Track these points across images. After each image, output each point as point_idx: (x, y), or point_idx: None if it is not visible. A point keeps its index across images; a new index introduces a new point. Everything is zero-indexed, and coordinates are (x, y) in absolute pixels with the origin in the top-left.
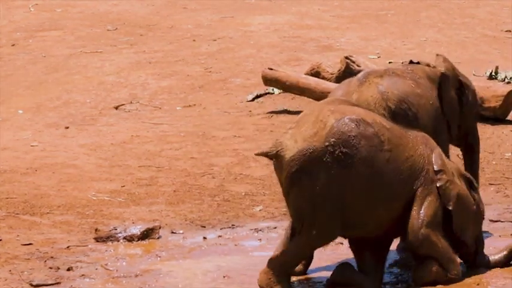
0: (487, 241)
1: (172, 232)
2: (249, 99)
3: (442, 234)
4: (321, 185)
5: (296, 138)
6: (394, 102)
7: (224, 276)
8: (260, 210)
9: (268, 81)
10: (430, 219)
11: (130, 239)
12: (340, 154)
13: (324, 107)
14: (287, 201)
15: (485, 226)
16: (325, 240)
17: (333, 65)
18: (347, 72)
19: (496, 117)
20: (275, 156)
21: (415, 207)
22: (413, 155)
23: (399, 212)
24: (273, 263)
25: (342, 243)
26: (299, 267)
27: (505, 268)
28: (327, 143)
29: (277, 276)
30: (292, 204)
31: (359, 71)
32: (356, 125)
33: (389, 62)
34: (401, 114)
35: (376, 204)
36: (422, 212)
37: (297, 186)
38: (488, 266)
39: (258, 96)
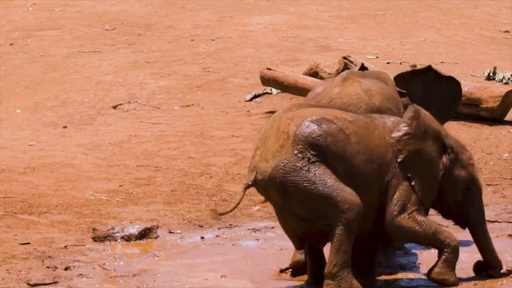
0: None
1: (170, 232)
2: (247, 99)
3: (420, 215)
4: (311, 186)
5: (266, 157)
6: (378, 99)
7: (222, 276)
8: (258, 210)
9: (266, 81)
10: (402, 205)
11: (128, 238)
12: (311, 157)
13: (283, 116)
14: (288, 216)
15: None
16: (350, 223)
17: (331, 65)
18: None
19: (493, 118)
20: (255, 184)
21: (388, 197)
22: (381, 144)
23: (378, 204)
24: (332, 272)
25: None
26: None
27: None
28: (295, 151)
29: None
30: (301, 215)
31: None
32: (318, 125)
33: (387, 63)
34: (386, 111)
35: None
36: (394, 200)
37: (291, 199)
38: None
39: (256, 96)
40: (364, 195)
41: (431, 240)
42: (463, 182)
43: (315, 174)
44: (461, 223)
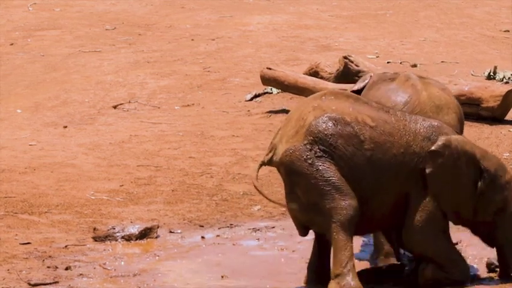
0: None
1: (171, 231)
2: (247, 99)
3: (441, 234)
4: (313, 180)
5: (282, 139)
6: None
7: (222, 276)
8: (258, 209)
9: (266, 80)
10: (425, 220)
11: (128, 238)
12: (318, 151)
13: (309, 103)
14: (294, 202)
15: None
16: (348, 223)
17: (331, 64)
18: (345, 72)
19: (494, 118)
20: (270, 163)
21: (409, 208)
22: (405, 152)
23: (389, 208)
24: (334, 272)
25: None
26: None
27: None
28: (305, 141)
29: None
30: (304, 204)
31: (357, 71)
32: (334, 123)
33: (388, 62)
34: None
35: (362, 200)
36: (416, 214)
37: (295, 186)
38: None
39: (256, 96)
40: (370, 199)
41: (443, 261)
42: (497, 205)
43: (317, 169)
44: (490, 243)
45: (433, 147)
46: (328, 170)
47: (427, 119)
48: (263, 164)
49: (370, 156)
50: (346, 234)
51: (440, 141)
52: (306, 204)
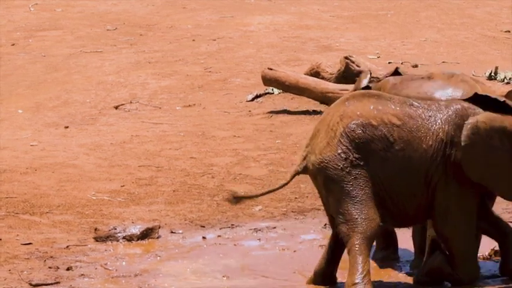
0: (484, 242)
1: (172, 232)
2: (248, 99)
3: (470, 229)
4: (349, 188)
5: (315, 150)
6: None
7: (223, 276)
8: (259, 210)
9: (267, 81)
10: (455, 206)
11: (129, 238)
12: (354, 159)
13: (335, 113)
14: (328, 207)
15: None
16: (371, 236)
17: (332, 65)
18: (346, 72)
19: None
20: (304, 172)
21: (438, 196)
22: (433, 144)
23: (423, 201)
24: (352, 281)
25: None
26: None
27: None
28: (339, 151)
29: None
30: (334, 211)
31: (359, 71)
32: (362, 130)
33: (389, 62)
34: None
35: (401, 199)
36: (447, 202)
37: (331, 194)
38: None
39: (257, 96)
40: (407, 200)
41: (458, 264)
42: None
43: (355, 177)
44: None
45: (462, 137)
46: (363, 180)
47: (450, 104)
48: (298, 173)
49: (402, 156)
50: (367, 246)
51: (467, 128)
52: (335, 213)
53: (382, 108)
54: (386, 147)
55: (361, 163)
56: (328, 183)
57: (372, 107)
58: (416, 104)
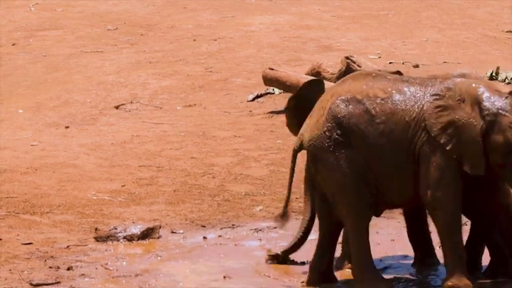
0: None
1: (173, 232)
2: (249, 99)
3: (455, 201)
4: (335, 168)
5: (308, 128)
6: None
7: (224, 276)
8: (260, 210)
9: (268, 81)
10: (436, 180)
11: (130, 238)
12: (337, 137)
13: (329, 91)
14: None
15: None
16: (362, 218)
17: (333, 65)
18: (348, 72)
19: None
20: (300, 149)
21: (421, 172)
22: (417, 116)
23: (410, 178)
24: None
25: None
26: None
27: None
28: (324, 129)
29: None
30: (323, 192)
31: None
32: (346, 105)
33: (390, 63)
34: None
35: (389, 175)
36: (428, 175)
37: (318, 174)
38: None
39: (258, 96)
40: (392, 174)
41: (444, 229)
42: (505, 147)
43: (339, 157)
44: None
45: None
46: (347, 161)
47: (450, 80)
48: (295, 151)
49: (383, 130)
50: (362, 231)
51: (443, 83)
52: (324, 193)
53: (372, 84)
54: (367, 121)
55: (344, 140)
56: (316, 162)
57: (362, 83)
58: (412, 80)
